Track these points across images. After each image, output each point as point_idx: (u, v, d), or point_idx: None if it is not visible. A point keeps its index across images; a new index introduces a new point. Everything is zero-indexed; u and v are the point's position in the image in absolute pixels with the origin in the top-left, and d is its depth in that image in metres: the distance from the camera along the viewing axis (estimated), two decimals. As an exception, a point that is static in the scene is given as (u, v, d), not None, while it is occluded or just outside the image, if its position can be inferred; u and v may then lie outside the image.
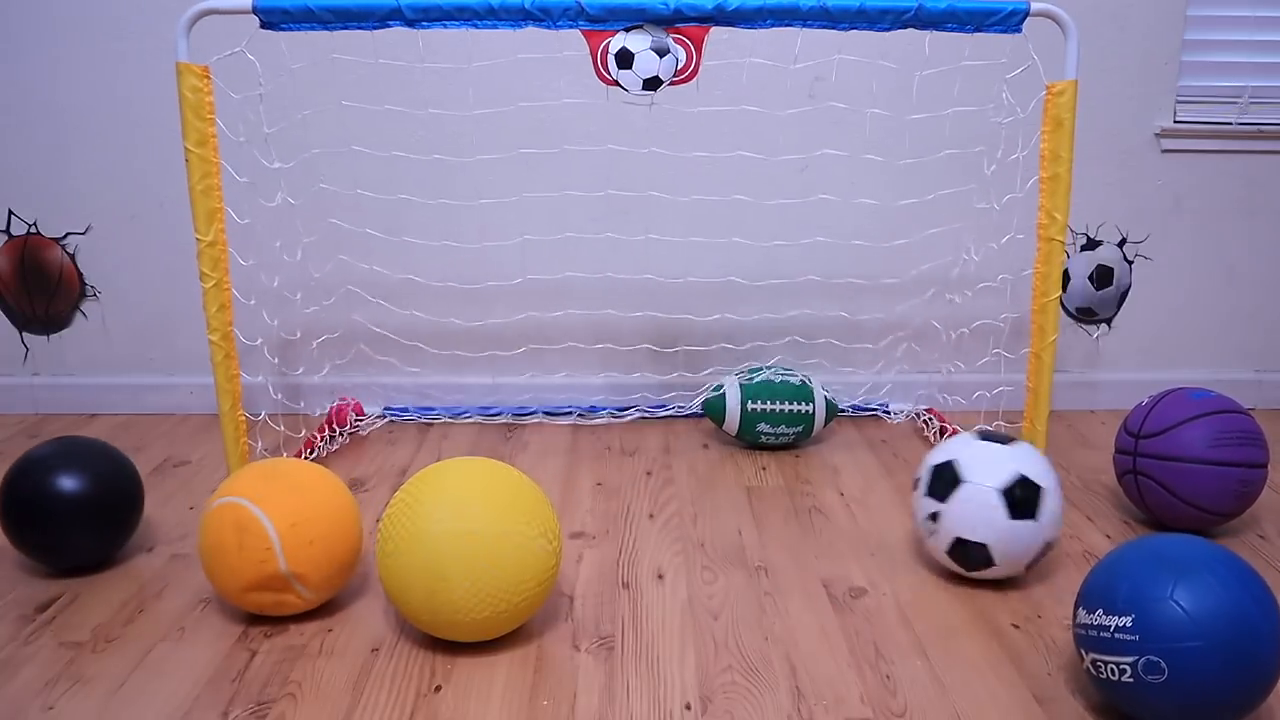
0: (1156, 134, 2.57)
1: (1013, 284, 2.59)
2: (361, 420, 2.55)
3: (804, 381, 2.37)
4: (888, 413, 2.65)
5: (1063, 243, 1.91)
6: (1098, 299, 2.69)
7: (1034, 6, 1.88)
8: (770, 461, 2.35)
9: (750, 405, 2.34)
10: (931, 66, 2.46)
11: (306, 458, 2.30)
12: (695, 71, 1.94)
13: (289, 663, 1.53)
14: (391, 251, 2.57)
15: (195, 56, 1.89)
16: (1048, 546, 1.70)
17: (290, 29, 1.86)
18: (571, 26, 1.87)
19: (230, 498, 1.57)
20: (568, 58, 2.44)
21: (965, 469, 1.68)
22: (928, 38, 2.42)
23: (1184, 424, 1.88)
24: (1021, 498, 1.65)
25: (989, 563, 1.68)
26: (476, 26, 1.87)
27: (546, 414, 2.62)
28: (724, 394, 2.37)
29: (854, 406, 2.66)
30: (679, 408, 2.64)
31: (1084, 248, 2.66)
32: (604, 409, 2.63)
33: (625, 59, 1.89)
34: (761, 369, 2.42)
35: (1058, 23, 1.87)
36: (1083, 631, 1.35)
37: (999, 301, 2.64)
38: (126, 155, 2.54)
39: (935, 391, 2.69)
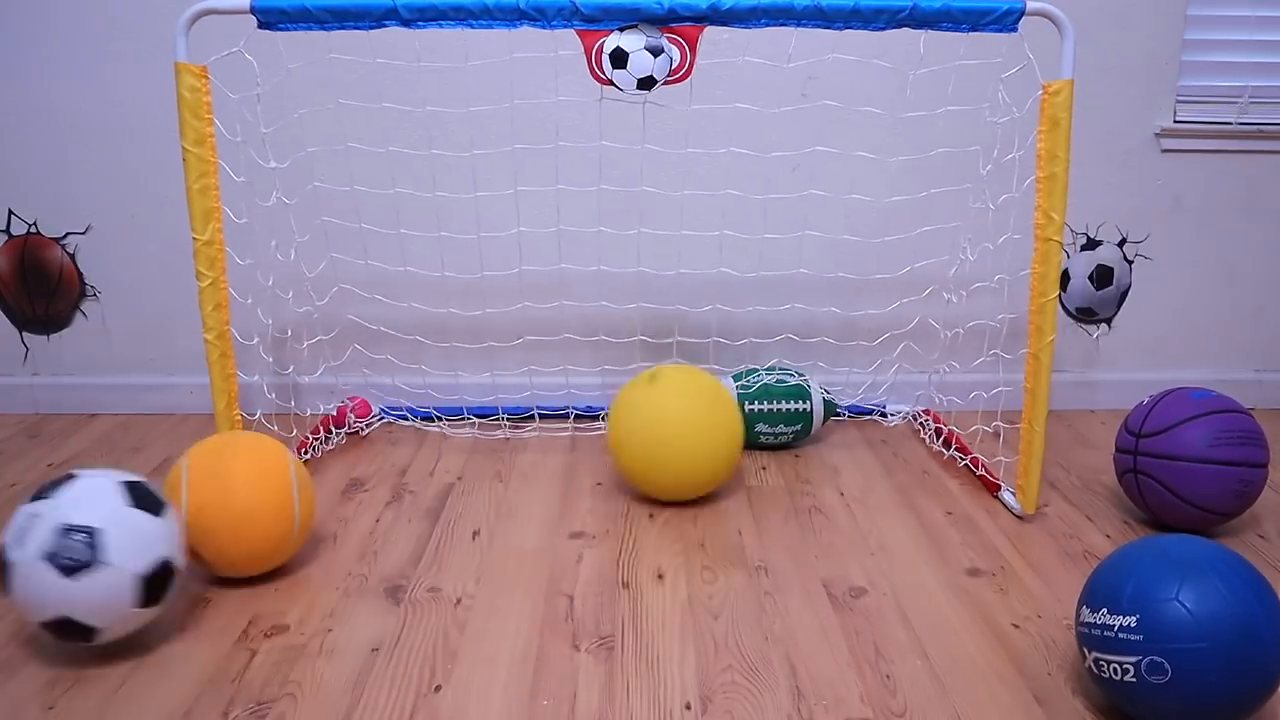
0: (1156, 134, 2.57)
1: (1010, 284, 2.59)
2: (363, 421, 2.54)
3: (801, 381, 2.37)
4: (884, 414, 2.64)
5: (1060, 243, 1.91)
6: (1098, 299, 2.69)
7: (1030, 6, 1.88)
8: (770, 461, 2.35)
9: (748, 406, 2.35)
10: (927, 65, 2.46)
11: (301, 458, 2.30)
12: (690, 71, 1.94)
13: (289, 663, 1.53)
14: (387, 248, 2.57)
15: (193, 56, 1.89)
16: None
17: (288, 29, 1.86)
18: (566, 26, 1.87)
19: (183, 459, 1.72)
20: (563, 57, 2.44)
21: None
22: (923, 37, 2.42)
23: (1184, 423, 1.88)
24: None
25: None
26: (472, 26, 1.87)
27: (545, 414, 2.62)
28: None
29: (852, 407, 2.66)
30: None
31: (1084, 248, 2.66)
32: (602, 408, 2.63)
33: (620, 58, 1.89)
34: (759, 370, 2.42)
35: (1054, 22, 1.87)
36: (1085, 630, 1.35)
37: (996, 302, 2.64)
38: (126, 155, 2.54)
39: (933, 392, 2.69)
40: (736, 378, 2.41)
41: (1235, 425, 1.86)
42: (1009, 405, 2.69)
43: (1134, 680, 1.28)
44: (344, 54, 2.43)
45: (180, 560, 1.56)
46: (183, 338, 2.66)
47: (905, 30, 1.92)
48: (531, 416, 2.61)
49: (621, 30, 1.89)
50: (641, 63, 1.89)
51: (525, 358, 2.67)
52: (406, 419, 2.61)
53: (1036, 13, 1.88)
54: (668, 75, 1.93)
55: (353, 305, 2.61)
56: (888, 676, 1.50)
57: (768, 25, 1.88)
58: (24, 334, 2.67)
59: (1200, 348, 2.76)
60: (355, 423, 2.53)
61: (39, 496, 1.48)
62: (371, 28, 1.86)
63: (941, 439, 2.43)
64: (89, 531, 1.44)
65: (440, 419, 2.59)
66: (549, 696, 1.45)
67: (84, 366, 2.69)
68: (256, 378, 2.60)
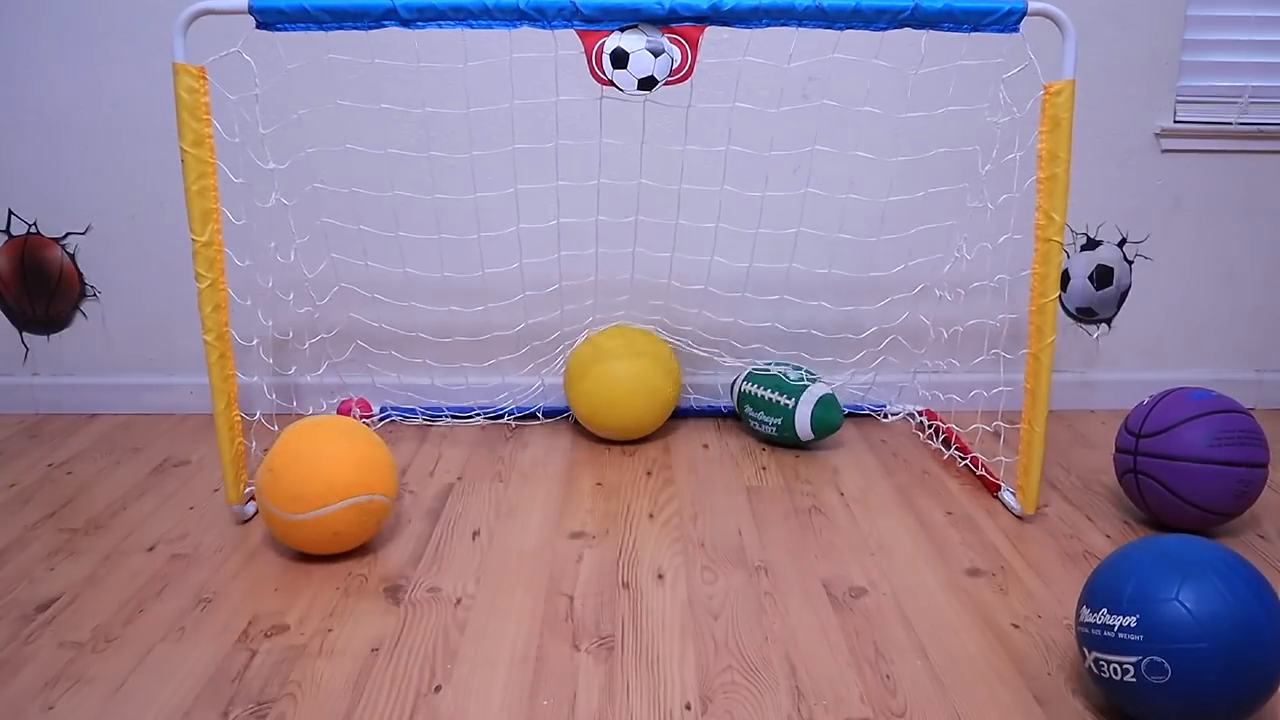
0: (1156, 134, 2.57)
1: (1010, 284, 2.59)
2: (368, 419, 2.55)
3: (805, 382, 2.37)
4: (884, 414, 2.64)
5: (1060, 243, 1.91)
6: (1098, 299, 2.69)
7: (1031, 6, 1.87)
8: (770, 461, 2.35)
9: (745, 386, 2.48)
10: (928, 66, 2.46)
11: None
12: (690, 71, 1.93)
13: (289, 663, 1.53)
14: (386, 248, 2.57)
15: (192, 57, 1.89)
16: None
17: (286, 29, 1.86)
18: (566, 26, 1.87)
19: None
20: (563, 57, 2.44)
21: None
22: (924, 37, 2.42)
23: (1184, 423, 1.88)
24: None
25: None
26: (472, 26, 1.87)
27: (546, 414, 2.62)
28: (737, 373, 2.60)
29: (851, 406, 2.66)
30: (677, 408, 2.64)
31: (1084, 248, 2.66)
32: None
33: (620, 59, 1.89)
34: (786, 364, 2.51)
35: (1056, 22, 1.87)
36: (1085, 630, 1.35)
37: (997, 302, 2.64)
38: (126, 155, 2.53)
39: (934, 391, 2.69)
40: (768, 364, 2.52)
41: (1235, 425, 1.86)
42: (1010, 405, 2.69)
43: (1134, 680, 1.28)
44: (343, 54, 2.43)
45: None
46: (182, 338, 2.66)
47: (907, 30, 1.91)
48: (534, 415, 2.62)
49: (622, 30, 1.89)
50: (642, 63, 1.89)
51: (523, 358, 2.67)
52: (407, 417, 2.61)
53: (1038, 13, 1.88)
54: (668, 75, 1.93)
55: (353, 306, 2.61)
56: (888, 676, 1.50)
57: (769, 25, 1.87)
58: (24, 334, 2.67)
59: (1200, 348, 2.76)
60: (361, 418, 2.53)
61: None
62: (370, 28, 1.86)
63: (941, 439, 2.43)
64: None
65: (441, 418, 2.59)
66: (549, 697, 1.45)
67: (84, 366, 2.69)
68: (256, 378, 2.60)
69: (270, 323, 2.58)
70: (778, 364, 2.49)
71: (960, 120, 2.51)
